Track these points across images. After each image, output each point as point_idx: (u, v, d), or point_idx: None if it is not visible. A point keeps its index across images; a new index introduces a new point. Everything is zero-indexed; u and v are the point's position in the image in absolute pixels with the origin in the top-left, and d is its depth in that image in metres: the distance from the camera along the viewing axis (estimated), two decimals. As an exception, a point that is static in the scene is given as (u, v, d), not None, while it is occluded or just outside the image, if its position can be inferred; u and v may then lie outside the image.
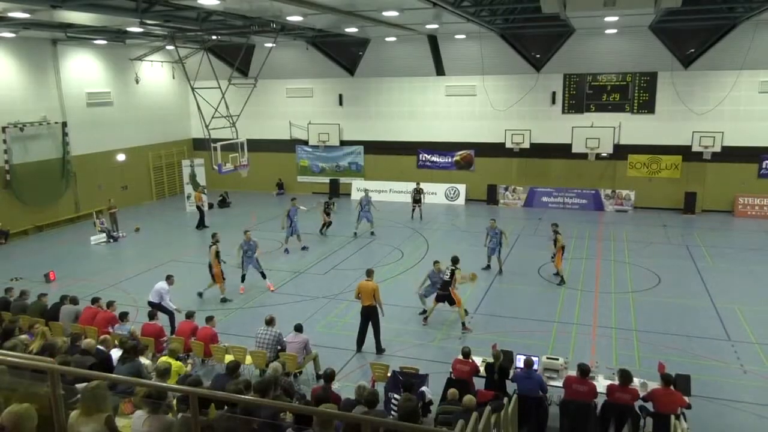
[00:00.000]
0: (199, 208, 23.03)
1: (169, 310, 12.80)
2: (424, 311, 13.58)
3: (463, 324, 12.89)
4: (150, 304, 12.61)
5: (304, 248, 19.14)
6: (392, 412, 8.24)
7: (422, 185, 24.39)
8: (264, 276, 15.52)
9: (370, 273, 12.19)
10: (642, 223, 22.72)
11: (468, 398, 7.52)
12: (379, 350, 11.78)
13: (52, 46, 22.73)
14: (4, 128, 20.88)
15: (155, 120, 28.10)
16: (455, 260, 13.38)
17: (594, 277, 16.35)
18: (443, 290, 12.98)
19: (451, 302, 12.97)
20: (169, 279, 13.12)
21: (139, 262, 18.38)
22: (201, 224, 22.65)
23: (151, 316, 11.39)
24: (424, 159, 27.65)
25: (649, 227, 21.95)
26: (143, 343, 9.92)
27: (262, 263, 15.66)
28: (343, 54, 27.17)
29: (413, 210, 23.70)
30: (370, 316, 11.75)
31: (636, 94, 24.21)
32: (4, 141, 20.95)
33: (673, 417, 7.88)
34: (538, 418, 8.67)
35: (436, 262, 13.75)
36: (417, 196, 23.72)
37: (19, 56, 21.64)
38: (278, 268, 17.43)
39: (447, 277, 13.06)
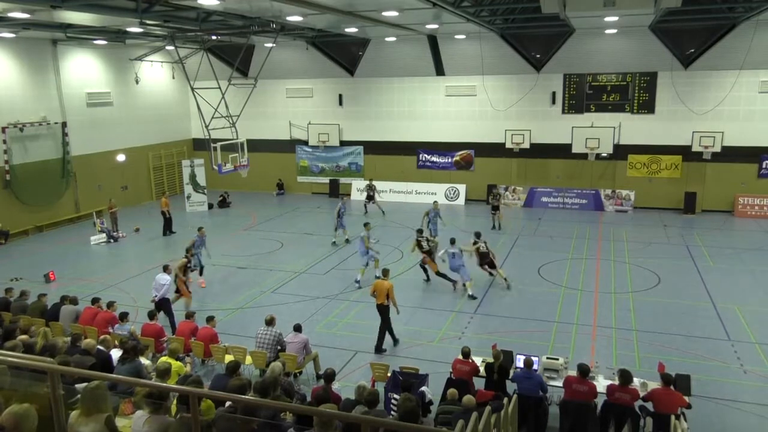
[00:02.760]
0: (163, 213, 21.51)
1: (171, 312, 12.78)
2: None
3: (506, 279, 15.42)
4: (157, 304, 12.58)
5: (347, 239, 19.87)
6: (392, 412, 8.24)
7: (375, 182, 25.12)
8: (201, 272, 16.32)
9: (385, 272, 12.67)
10: (642, 223, 22.72)
11: (467, 398, 7.52)
12: (379, 350, 11.80)
13: (52, 47, 22.74)
14: (4, 128, 20.88)
15: (155, 120, 28.10)
16: (479, 234, 15.78)
17: (594, 277, 16.35)
18: (484, 260, 15.37)
19: (492, 266, 15.46)
20: (166, 269, 13.09)
21: (139, 262, 18.40)
22: (168, 230, 21.62)
23: (151, 316, 11.39)
24: (423, 159, 27.65)
25: (649, 227, 21.95)
26: (143, 343, 9.93)
27: (262, 263, 15.74)
28: (343, 54, 27.17)
29: (365, 205, 24.51)
30: (381, 314, 11.99)
31: (636, 94, 24.21)
32: (4, 141, 20.94)
33: (673, 417, 7.88)
34: (538, 418, 8.67)
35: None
36: (370, 192, 24.38)
37: (19, 56, 21.64)
38: (279, 268, 17.44)
39: (484, 249, 15.39)
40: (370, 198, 24.32)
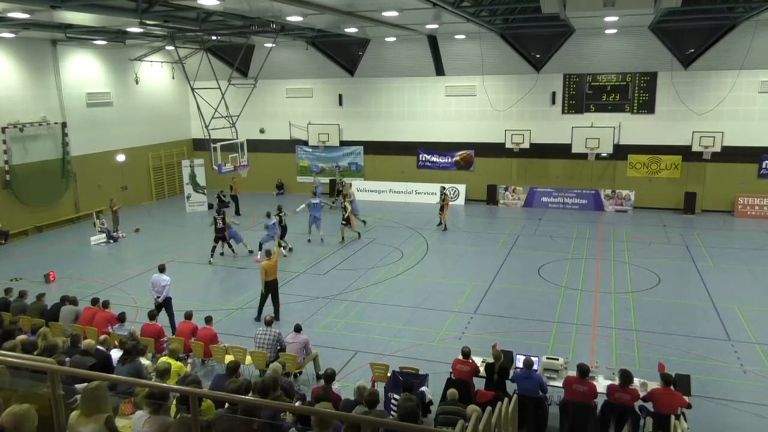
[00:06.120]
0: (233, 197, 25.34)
1: (172, 312, 12.75)
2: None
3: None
4: (158, 306, 12.53)
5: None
6: (392, 412, 8.23)
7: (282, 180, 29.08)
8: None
9: (269, 253, 14.04)
10: (642, 223, 22.71)
11: (472, 408, 7.42)
12: (278, 318, 13.21)
13: (52, 47, 22.73)
14: (4, 128, 20.87)
15: (155, 120, 28.09)
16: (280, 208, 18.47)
17: (594, 277, 16.35)
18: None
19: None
20: (163, 269, 13.04)
21: (139, 262, 18.38)
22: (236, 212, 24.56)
23: (151, 316, 11.37)
24: (423, 159, 27.65)
25: (649, 227, 21.94)
26: (143, 343, 9.92)
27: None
28: (343, 54, 27.17)
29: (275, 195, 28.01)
30: (275, 288, 13.50)
31: (636, 94, 24.21)
32: (4, 141, 20.93)
33: (673, 417, 7.88)
34: (538, 418, 8.67)
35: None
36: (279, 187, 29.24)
37: (19, 56, 21.63)
38: (278, 268, 17.38)
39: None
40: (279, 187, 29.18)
